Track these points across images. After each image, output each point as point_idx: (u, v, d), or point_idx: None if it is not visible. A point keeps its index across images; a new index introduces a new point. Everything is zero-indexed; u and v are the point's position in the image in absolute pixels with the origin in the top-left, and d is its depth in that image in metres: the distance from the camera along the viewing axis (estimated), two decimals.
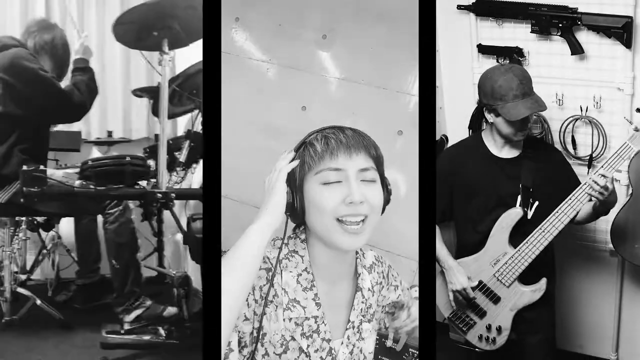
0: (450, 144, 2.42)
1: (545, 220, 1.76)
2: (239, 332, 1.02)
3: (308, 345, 1.07)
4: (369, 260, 1.22)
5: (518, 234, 1.82)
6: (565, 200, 1.74)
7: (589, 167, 2.07)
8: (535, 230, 1.77)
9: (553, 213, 1.75)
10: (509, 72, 1.78)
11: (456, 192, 1.92)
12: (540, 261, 1.81)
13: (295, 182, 1.06)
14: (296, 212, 1.05)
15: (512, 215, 1.82)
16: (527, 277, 1.83)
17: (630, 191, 1.98)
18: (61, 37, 2.54)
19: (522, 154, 1.88)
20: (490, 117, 1.83)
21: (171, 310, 2.36)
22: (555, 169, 1.91)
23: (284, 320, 1.05)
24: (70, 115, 2.51)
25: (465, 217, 1.93)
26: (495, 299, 1.85)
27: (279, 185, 1.03)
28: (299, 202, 1.05)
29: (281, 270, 1.08)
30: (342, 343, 1.11)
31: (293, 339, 1.06)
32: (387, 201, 1.12)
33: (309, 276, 1.09)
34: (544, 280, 1.83)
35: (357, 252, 1.19)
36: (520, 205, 1.82)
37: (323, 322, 1.09)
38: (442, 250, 1.89)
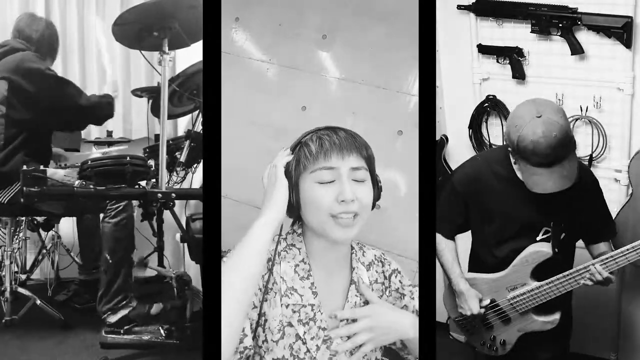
0: (450, 143, 2.42)
1: (577, 270, 1.63)
2: (250, 319, 1.07)
3: (305, 332, 1.11)
4: (368, 258, 1.25)
5: (542, 268, 1.67)
6: (566, 273, 1.64)
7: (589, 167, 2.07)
8: (564, 275, 1.64)
9: (580, 268, 1.62)
10: (541, 125, 1.43)
11: (474, 211, 1.74)
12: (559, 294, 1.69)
13: (291, 180, 1.11)
14: (292, 207, 1.11)
15: (540, 255, 1.65)
16: (542, 305, 1.71)
17: (630, 191, 1.98)
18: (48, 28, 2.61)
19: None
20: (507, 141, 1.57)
21: (158, 306, 2.34)
22: (588, 202, 1.67)
23: (281, 306, 1.10)
24: (77, 116, 2.53)
25: (482, 237, 1.78)
26: (505, 319, 1.76)
27: (280, 179, 1.10)
28: (295, 198, 1.11)
29: (280, 260, 1.14)
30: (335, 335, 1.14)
31: (290, 325, 1.10)
32: (377, 197, 1.18)
33: (306, 266, 1.15)
34: (558, 315, 1.71)
35: (352, 247, 1.23)
36: (549, 243, 1.65)
37: (320, 310, 1.13)
38: (454, 268, 1.75)
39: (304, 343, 1.10)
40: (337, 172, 1.09)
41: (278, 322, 1.09)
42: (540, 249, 1.65)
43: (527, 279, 1.69)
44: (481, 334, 1.83)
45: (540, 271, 1.67)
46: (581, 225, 1.68)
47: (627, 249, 1.57)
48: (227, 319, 0.95)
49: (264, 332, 1.09)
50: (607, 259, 1.59)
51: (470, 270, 1.84)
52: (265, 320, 1.10)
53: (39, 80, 2.38)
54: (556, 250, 1.64)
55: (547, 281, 1.66)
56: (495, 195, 1.67)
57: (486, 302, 1.74)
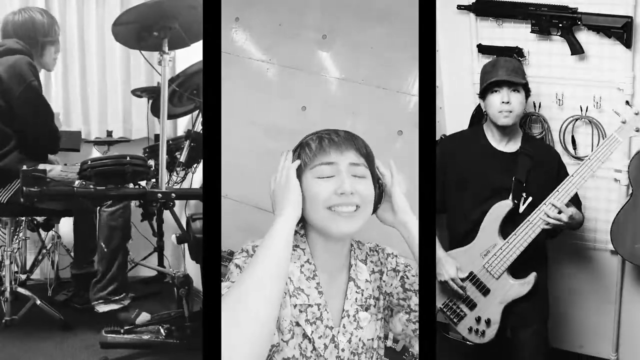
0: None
1: (532, 213, 1.78)
2: None
3: (312, 332, 1.12)
4: (363, 253, 1.27)
5: (509, 227, 1.83)
6: (525, 220, 1.79)
7: None
8: (523, 222, 1.79)
9: (535, 210, 1.79)
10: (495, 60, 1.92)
11: (449, 182, 1.93)
12: (531, 256, 1.82)
13: None
14: None
15: (502, 207, 1.84)
16: (517, 270, 1.84)
17: (630, 191, 1.98)
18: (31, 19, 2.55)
19: (520, 150, 1.89)
20: (482, 104, 1.90)
21: (144, 317, 2.31)
22: (549, 168, 1.91)
23: (291, 306, 1.11)
24: (42, 139, 2.49)
25: (458, 207, 1.94)
26: (484, 290, 1.86)
27: (293, 181, 1.11)
28: None
29: None
30: (338, 332, 1.16)
31: (298, 324, 1.11)
32: (379, 197, 1.19)
33: (311, 266, 1.16)
34: (532, 275, 1.84)
35: (352, 245, 1.24)
36: (511, 198, 1.83)
37: (326, 309, 1.14)
38: None
39: (311, 342, 1.11)
40: (336, 167, 1.12)
41: (288, 323, 1.10)
42: (502, 203, 1.84)
43: (495, 239, 1.84)
44: (467, 318, 1.89)
45: (508, 230, 1.82)
46: (543, 190, 1.82)
47: (572, 175, 1.75)
48: (265, 313, 0.92)
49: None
50: (556, 191, 1.76)
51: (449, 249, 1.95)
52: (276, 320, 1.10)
53: (22, 88, 2.34)
54: (516, 202, 1.82)
55: (511, 235, 1.81)
56: (468, 162, 1.91)
57: (464, 274, 1.86)
